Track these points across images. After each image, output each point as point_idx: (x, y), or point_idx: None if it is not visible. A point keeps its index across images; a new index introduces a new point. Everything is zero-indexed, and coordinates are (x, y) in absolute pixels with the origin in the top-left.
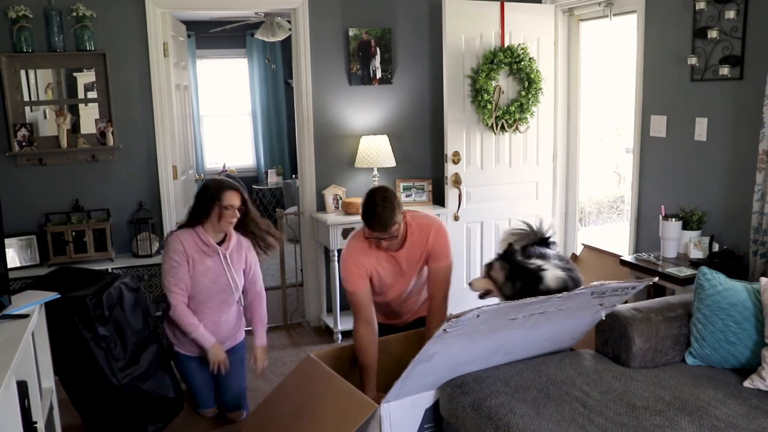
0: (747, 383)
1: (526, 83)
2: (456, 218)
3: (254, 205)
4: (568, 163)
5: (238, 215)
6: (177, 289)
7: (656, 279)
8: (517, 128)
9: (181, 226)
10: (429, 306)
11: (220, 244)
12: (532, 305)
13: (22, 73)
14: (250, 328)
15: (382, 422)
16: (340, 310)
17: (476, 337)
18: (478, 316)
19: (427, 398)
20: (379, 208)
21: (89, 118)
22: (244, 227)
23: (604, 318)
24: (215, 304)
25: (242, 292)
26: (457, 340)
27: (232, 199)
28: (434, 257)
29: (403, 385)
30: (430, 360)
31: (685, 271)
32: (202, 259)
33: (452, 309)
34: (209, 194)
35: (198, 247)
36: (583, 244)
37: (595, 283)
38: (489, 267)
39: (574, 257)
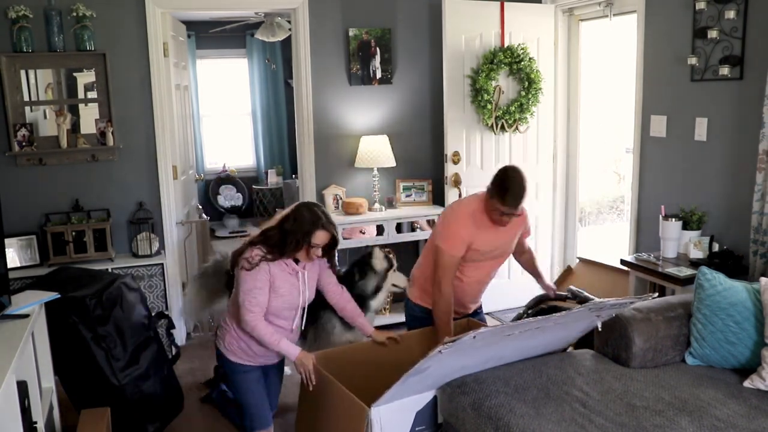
0: (747, 383)
1: (526, 83)
2: None
3: (257, 203)
4: (568, 163)
5: (320, 252)
6: (257, 309)
7: (656, 295)
8: (517, 128)
9: (259, 243)
10: (527, 258)
11: (296, 261)
12: (529, 324)
13: (22, 73)
14: None
15: (372, 426)
16: None
17: (470, 352)
18: (474, 337)
19: (417, 401)
20: (517, 187)
21: (89, 118)
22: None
23: (599, 328)
24: (282, 316)
25: (325, 294)
26: (451, 356)
27: (324, 239)
28: (526, 231)
29: (394, 393)
30: (423, 373)
31: (685, 271)
32: (283, 275)
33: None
34: (304, 229)
35: (280, 266)
36: (578, 258)
37: (596, 300)
38: None
39: (570, 270)
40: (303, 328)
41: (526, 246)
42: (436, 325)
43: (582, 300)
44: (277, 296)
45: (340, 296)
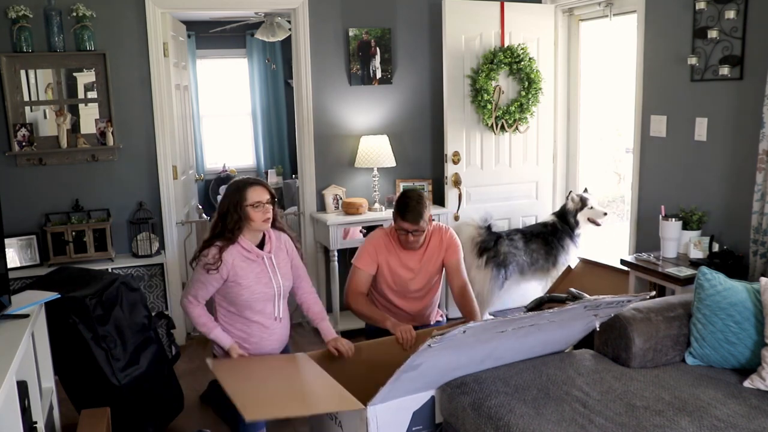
0: (747, 383)
1: (526, 83)
2: (456, 218)
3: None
4: (568, 163)
5: (271, 211)
6: (195, 300)
7: (653, 293)
8: (517, 128)
9: (213, 238)
10: (460, 294)
11: (260, 246)
12: (522, 320)
13: (22, 73)
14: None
15: (368, 425)
16: (340, 310)
17: (463, 348)
18: (464, 332)
19: (414, 401)
20: (413, 202)
21: (89, 118)
22: (273, 223)
23: (598, 328)
24: (257, 308)
25: (293, 289)
26: (443, 352)
27: (260, 194)
28: (450, 252)
29: (389, 391)
30: (416, 369)
31: (685, 271)
32: (249, 266)
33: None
34: (234, 199)
35: (242, 255)
36: (578, 258)
37: (590, 297)
38: None
39: (569, 270)
40: (279, 317)
41: (462, 280)
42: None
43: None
44: (242, 288)
45: (308, 294)
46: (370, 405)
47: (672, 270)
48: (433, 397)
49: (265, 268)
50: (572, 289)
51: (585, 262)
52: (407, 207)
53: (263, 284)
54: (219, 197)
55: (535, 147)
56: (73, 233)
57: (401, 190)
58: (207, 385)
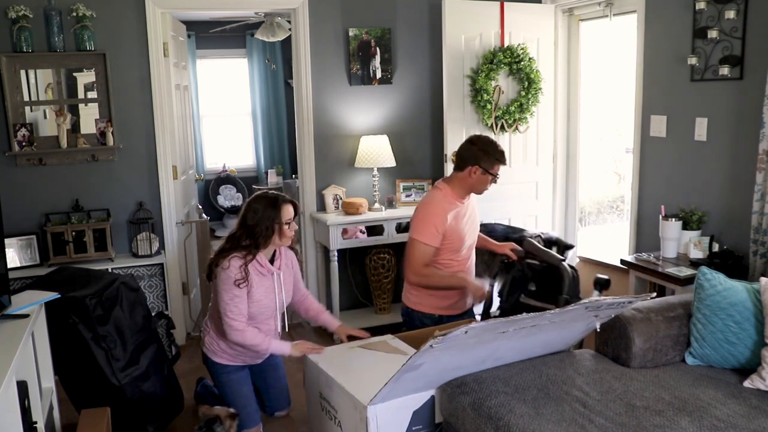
0: (747, 383)
1: (526, 83)
2: None
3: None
4: (568, 163)
5: (296, 227)
6: (241, 318)
7: (654, 295)
8: (516, 128)
9: (231, 250)
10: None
11: (271, 262)
12: (524, 320)
13: (22, 73)
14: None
15: (368, 424)
16: (340, 310)
17: (465, 349)
18: (466, 332)
19: (414, 400)
20: (497, 144)
21: (89, 118)
22: None
23: (598, 329)
24: (261, 321)
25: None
26: (444, 352)
27: (290, 212)
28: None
29: (389, 391)
30: (417, 369)
31: (685, 271)
32: (261, 280)
33: None
34: (267, 214)
35: (257, 269)
36: (578, 257)
37: (591, 298)
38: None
39: None
40: (287, 329)
41: None
42: (460, 285)
43: (560, 245)
44: (252, 302)
45: (305, 299)
46: (371, 404)
47: (672, 270)
48: (433, 397)
49: (272, 284)
50: (541, 233)
51: (585, 262)
52: (498, 147)
53: (270, 299)
54: (219, 197)
55: (535, 147)
56: (73, 233)
57: (400, 189)
58: (196, 383)
